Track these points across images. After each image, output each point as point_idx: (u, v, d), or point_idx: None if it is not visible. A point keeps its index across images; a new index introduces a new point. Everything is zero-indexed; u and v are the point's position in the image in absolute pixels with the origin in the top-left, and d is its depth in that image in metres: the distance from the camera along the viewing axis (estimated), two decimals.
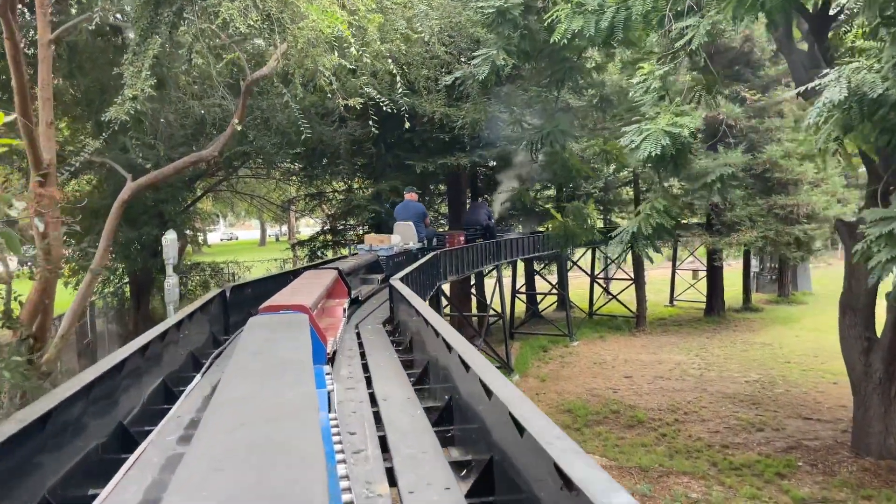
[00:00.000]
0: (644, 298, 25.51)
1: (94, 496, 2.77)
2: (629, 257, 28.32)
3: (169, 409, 4.02)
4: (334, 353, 5.23)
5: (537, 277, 28.04)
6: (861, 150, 9.14)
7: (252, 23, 8.05)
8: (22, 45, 10.35)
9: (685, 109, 8.13)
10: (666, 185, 24.91)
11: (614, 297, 26.84)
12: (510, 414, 2.27)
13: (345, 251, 24.91)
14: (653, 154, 7.55)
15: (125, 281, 24.52)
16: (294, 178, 25.51)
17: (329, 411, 3.50)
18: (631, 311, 26.15)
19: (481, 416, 2.92)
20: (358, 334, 6.37)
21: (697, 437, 12.90)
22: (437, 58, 13.16)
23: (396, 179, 18.20)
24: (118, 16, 13.04)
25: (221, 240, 77.47)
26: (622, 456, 11.97)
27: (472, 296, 22.45)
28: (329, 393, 3.69)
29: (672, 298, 31.28)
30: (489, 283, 24.59)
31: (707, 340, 22.90)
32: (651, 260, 10.14)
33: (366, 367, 4.99)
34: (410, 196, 13.72)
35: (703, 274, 30.48)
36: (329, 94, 9.93)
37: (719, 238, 22.91)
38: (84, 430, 3.12)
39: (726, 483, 10.51)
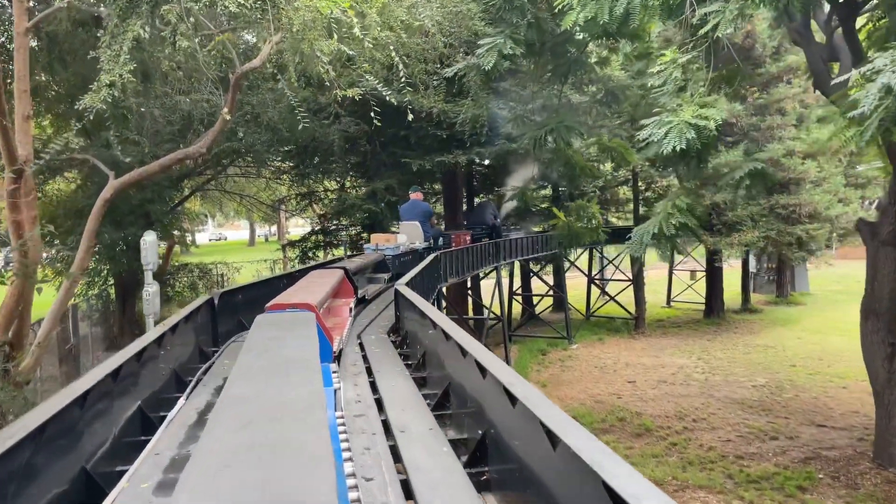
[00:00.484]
0: (643, 300, 25.01)
1: None
2: (627, 258, 27.92)
3: (147, 441, 3.41)
4: (340, 351, 5.20)
5: (534, 278, 27.49)
6: (890, 145, 8.60)
7: (243, 1, 7.40)
8: None
9: (709, 101, 7.57)
10: (668, 182, 24.55)
11: (612, 298, 26.30)
12: (587, 465, 1.74)
13: (338, 252, 24.30)
14: (677, 148, 6.98)
15: (110, 283, 23.80)
16: (285, 176, 24.81)
17: (336, 409, 3.49)
18: (629, 312, 25.63)
19: (532, 461, 2.32)
20: (361, 345, 5.76)
21: (709, 446, 12.35)
22: (437, 50, 12.56)
23: (392, 178, 17.58)
24: (101, 7, 12.37)
25: (210, 240, 76.75)
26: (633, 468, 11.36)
27: (469, 297, 21.85)
28: (336, 391, 3.70)
29: (669, 299, 30.84)
30: (484, 284, 24.00)
31: (708, 343, 22.42)
32: (671, 261, 9.54)
33: (374, 386, 4.38)
34: (416, 195, 13.53)
35: (700, 274, 30.03)
36: (327, 83, 9.26)
37: (720, 238, 22.39)
38: (36, 478, 2.49)
39: (746, 498, 9.96)
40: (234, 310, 6.58)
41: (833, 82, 10.68)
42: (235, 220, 68.08)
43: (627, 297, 26.16)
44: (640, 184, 24.78)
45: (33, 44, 13.68)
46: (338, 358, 5.06)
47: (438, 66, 14.26)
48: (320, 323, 4.44)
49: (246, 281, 31.10)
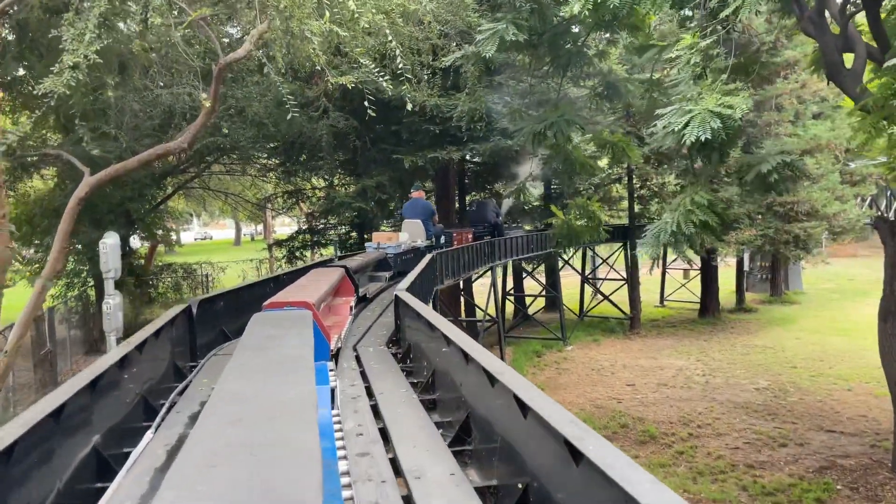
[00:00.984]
0: (638, 300, 24.52)
1: None
2: (621, 257, 27.41)
3: (104, 490, 2.78)
4: (338, 350, 5.12)
5: (526, 278, 26.93)
6: None
7: None
8: None
9: (731, 89, 7.01)
10: (664, 180, 24.04)
11: (606, 297, 25.78)
12: None
13: (326, 252, 23.62)
14: (701, 139, 6.40)
15: (90, 284, 23.04)
16: (271, 174, 24.08)
17: (332, 408, 3.44)
18: (624, 312, 25.12)
19: None
20: (358, 359, 5.13)
21: (717, 454, 11.83)
22: (430, 40, 11.94)
23: (382, 175, 16.93)
24: None
25: (196, 239, 75.88)
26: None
27: (462, 298, 21.25)
28: (332, 389, 3.65)
29: (662, 299, 30.37)
30: (477, 285, 23.38)
31: (705, 343, 21.93)
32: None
33: (376, 412, 3.77)
34: (418, 194, 13.53)
35: (694, 273, 29.58)
36: (318, 66, 8.60)
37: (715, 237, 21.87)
38: None
39: None
40: (216, 319, 5.93)
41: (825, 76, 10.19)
42: (221, 219, 67.19)
43: (620, 297, 25.67)
44: (634, 181, 24.24)
45: (4, 33, 12.94)
46: (336, 356, 4.98)
47: (432, 57, 13.66)
48: (317, 321, 4.37)
49: (231, 283, 30.32)
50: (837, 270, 33.49)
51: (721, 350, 20.74)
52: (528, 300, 26.75)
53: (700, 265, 26.90)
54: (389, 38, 8.08)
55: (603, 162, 22.86)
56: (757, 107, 21.75)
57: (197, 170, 22.50)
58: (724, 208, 7.69)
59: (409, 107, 9.63)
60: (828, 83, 11.03)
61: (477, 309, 20.77)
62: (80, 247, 20.66)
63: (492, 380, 2.76)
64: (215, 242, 69.58)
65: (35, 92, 7.33)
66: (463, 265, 13.48)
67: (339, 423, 3.27)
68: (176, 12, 8.78)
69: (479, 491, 2.65)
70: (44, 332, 18.07)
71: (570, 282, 29.12)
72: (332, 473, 2.51)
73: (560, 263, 24.22)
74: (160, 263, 29.56)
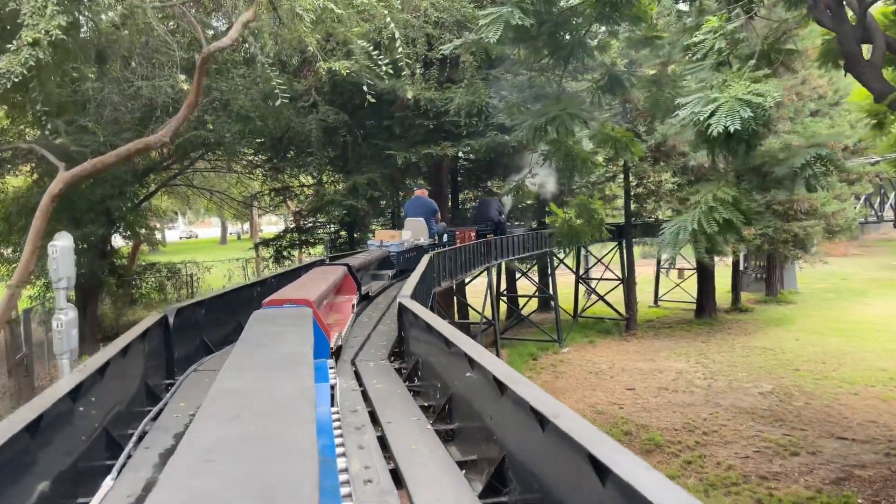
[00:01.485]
0: (635, 300, 24.04)
1: None
2: (616, 256, 26.88)
3: None
4: (339, 347, 5.08)
5: (522, 278, 26.37)
6: None
7: None
8: None
9: (759, 76, 6.45)
10: (661, 178, 23.54)
11: (601, 297, 25.25)
12: None
13: (315, 251, 22.94)
14: (731, 129, 5.84)
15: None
16: (257, 171, 23.36)
17: (332, 405, 3.43)
18: (619, 313, 24.61)
19: None
20: (357, 375, 4.52)
21: (728, 464, 11.30)
22: (425, 29, 11.33)
23: (374, 172, 16.28)
24: None
25: (181, 238, 74.96)
26: None
27: (454, 299, 20.64)
28: (332, 387, 3.63)
29: (657, 299, 29.92)
30: (469, 286, 22.78)
31: (703, 345, 21.46)
32: (712, 264, 8.41)
33: (384, 444, 3.18)
34: (421, 192, 13.55)
35: (689, 273, 29.15)
36: (310, 48, 7.96)
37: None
38: None
39: None
40: (197, 328, 5.30)
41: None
42: (207, 218, 66.26)
43: (614, 297, 25.17)
44: (630, 179, 23.72)
45: None
46: (336, 353, 4.92)
47: (427, 48, 13.06)
48: (317, 319, 4.31)
49: (217, 283, 29.50)
50: (830, 270, 33.19)
51: (720, 352, 20.28)
52: (521, 301, 26.18)
53: (696, 264, 26.48)
54: (388, 18, 7.45)
55: (598, 159, 22.36)
56: None
57: (181, 166, 21.75)
58: (748, 206, 7.14)
59: (410, 94, 9.00)
60: (844, 75, 10.49)
61: (472, 310, 20.20)
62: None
63: (541, 420, 2.17)
64: (201, 241, 68.54)
65: None
66: (460, 266, 12.90)
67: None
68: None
69: None
70: (19, 335, 17.29)
71: (563, 281, 28.58)
72: (331, 470, 2.49)
73: (555, 263, 23.63)
74: (143, 263, 28.77)
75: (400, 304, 5.03)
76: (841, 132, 21.92)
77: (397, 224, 20.58)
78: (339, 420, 3.21)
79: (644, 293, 29.37)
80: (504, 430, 2.59)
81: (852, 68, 10.46)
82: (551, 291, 22.68)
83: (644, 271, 32.09)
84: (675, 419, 13.86)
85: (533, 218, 23.23)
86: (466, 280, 20.24)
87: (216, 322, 5.73)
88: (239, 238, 65.40)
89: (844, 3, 10.37)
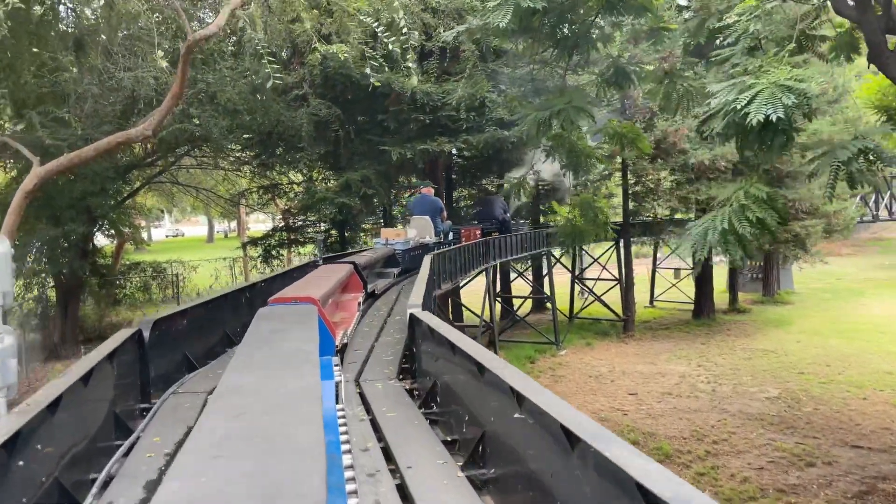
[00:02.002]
0: (633, 301, 23.52)
1: None
2: (613, 255, 26.33)
3: None
4: (344, 345, 5.08)
5: (515, 279, 25.80)
6: None
7: None
8: None
9: (798, 61, 5.90)
10: (660, 176, 23.03)
11: (598, 297, 24.69)
12: None
13: (305, 250, 22.26)
14: (773, 118, 5.26)
15: (49, 284, 21.52)
16: (245, 167, 22.62)
17: (337, 402, 3.41)
18: (616, 314, 24.06)
19: None
20: (364, 400, 3.89)
21: (742, 476, 10.77)
22: (427, 13, 10.70)
23: (367, 168, 15.63)
24: None
25: (167, 236, 74.12)
26: None
27: (450, 300, 20.04)
28: (337, 384, 3.60)
29: (652, 299, 29.44)
30: (464, 288, 22.17)
31: (703, 347, 20.97)
32: (742, 266, 7.84)
33: (402, 492, 2.57)
34: (427, 190, 13.29)
35: (685, 272, 28.67)
36: (306, 24, 7.30)
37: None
38: None
39: None
40: (177, 342, 4.65)
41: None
42: (193, 216, 65.36)
43: (610, 297, 24.64)
44: (628, 177, 23.16)
45: None
46: (341, 351, 4.89)
47: (425, 38, 12.45)
48: (322, 316, 4.30)
49: (203, 283, 28.64)
50: (825, 269, 32.84)
51: (721, 354, 19.79)
52: (516, 302, 25.59)
53: (692, 265, 26.01)
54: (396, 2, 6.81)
55: (601, 154, 21.83)
56: None
57: (165, 163, 21.01)
58: (783, 204, 6.57)
59: (414, 81, 8.38)
60: (868, 66, 9.96)
61: (469, 312, 19.62)
62: (37, 244, 19.23)
63: (646, 496, 1.57)
64: (187, 239, 67.59)
65: None
66: (459, 267, 12.30)
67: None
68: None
69: None
70: None
71: (558, 281, 28.02)
72: (337, 466, 2.48)
73: (551, 262, 23.05)
74: (128, 262, 28.00)
75: (411, 315, 4.40)
76: (841, 130, 21.48)
77: (388, 223, 19.95)
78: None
79: (639, 293, 28.85)
80: (575, 496, 1.98)
81: (876, 59, 9.92)
82: (548, 292, 22.11)
83: (637, 270, 31.61)
84: (682, 426, 13.32)
85: (528, 216, 22.65)
86: (463, 282, 19.68)
87: (200, 334, 5.09)
88: (226, 236, 64.54)
89: None
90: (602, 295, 24.94)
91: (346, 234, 19.43)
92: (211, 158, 21.97)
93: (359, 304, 6.57)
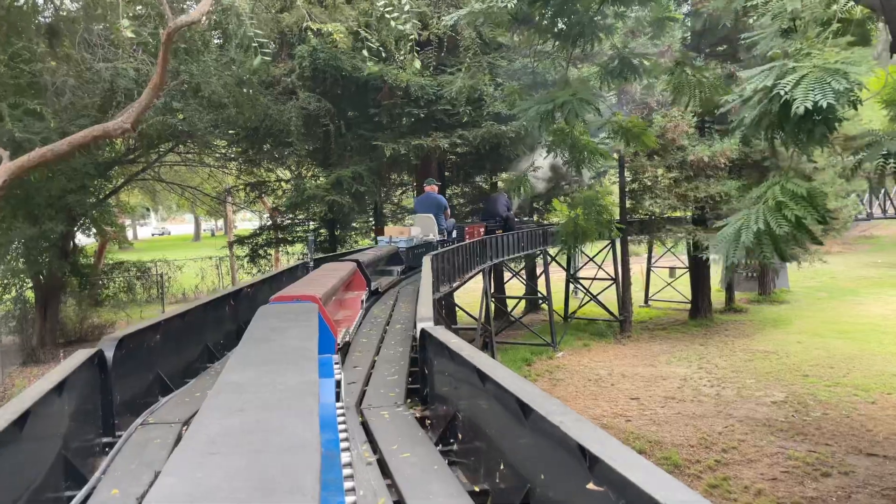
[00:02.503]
0: (630, 301, 23.02)
1: None
2: (608, 254, 25.83)
3: None
4: (346, 343, 5.02)
5: (513, 279, 25.25)
6: None
7: None
8: None
9: (844, 43, 5.35)
10: (659, 172, 22.53)
11: (594, 297, 24.18)
12: None
13: (294, 249, 21.60)
14: (822, 104, 4.71)
15: (28, 285, 20.78)
16: (231, 164, 21.93)
17: (337, 400, 3.43)
18: (613, 315, 23.55)
19: None
20: (368, 433, 3.29)
21: (756, 488, 10.24)
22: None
23: (359, 164, 15.00)
24: None
25: (153, 235, 73.28)
26: None
27: (443, 302, 19.44)
28: (338, 382, 3.62)
29: (647, 298, 28.97)
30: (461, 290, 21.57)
31: (702, 348, 20.50)
32: (777, 272, 7.30)
33: None
34: (431, 188, 13.29)
35: (680, 271, 28.23)
36: (294, 20, 6.68)
37: (714, 234, 20.42)
38: None
39: None
40: (148, 361, 4.02)
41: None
42: (180, 214, 64.44)
43: (606, 297, 24.13)
44: (625, 174, 22.64)
45: None
46: (342, 349, 4.82)
47: (421, 28, 11.84)
48: (323, 314, 4.30)
49: (189, 283, 27.90)
50: (818, 268, 32.52)
51: (722, 356, 19.31)
52: (510, 302, 25.04)
53: (689, 263, 25.58)
54: None
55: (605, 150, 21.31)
56: None
57: (148, 160, 20.29)
58: (823, 203, 6.03)
59: (417, 65, 7.82)
60: (891, 55, 9.45)
61: (465, 314, 19.06)
62: (15, 244, 18.53)
63: None
64: (174, 238, 66.67)
65: None
66: (458, 268, 11.73)
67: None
68: None
69: None
70: None
71: (552, 280, 27.49)
72: (335, 464, 2.47)
73: (547, 261, 22.50)
74: (111, 262, 27.23)
75: (422, 331, 3.77)
76: (841, 127, 21.10)
77: (380, 223, 19.33)
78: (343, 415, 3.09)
79: (633, 293, 28.37)
80: None
81: None
82: (544, 292, 21.57)
83: (631, 270, 31.13)
84: (688, 433, 12.80)
85: (525, 214, 22.11)
86: (456, 284, 19.11)
87: (177, 349, 4.47)
88: (213, 235, 63.72)
89: None
90: (598, 294, 24.45)
91: (336, 233, 18.80)
92: (196, 155, 21.27)
93: (362, 301, 6.55)
